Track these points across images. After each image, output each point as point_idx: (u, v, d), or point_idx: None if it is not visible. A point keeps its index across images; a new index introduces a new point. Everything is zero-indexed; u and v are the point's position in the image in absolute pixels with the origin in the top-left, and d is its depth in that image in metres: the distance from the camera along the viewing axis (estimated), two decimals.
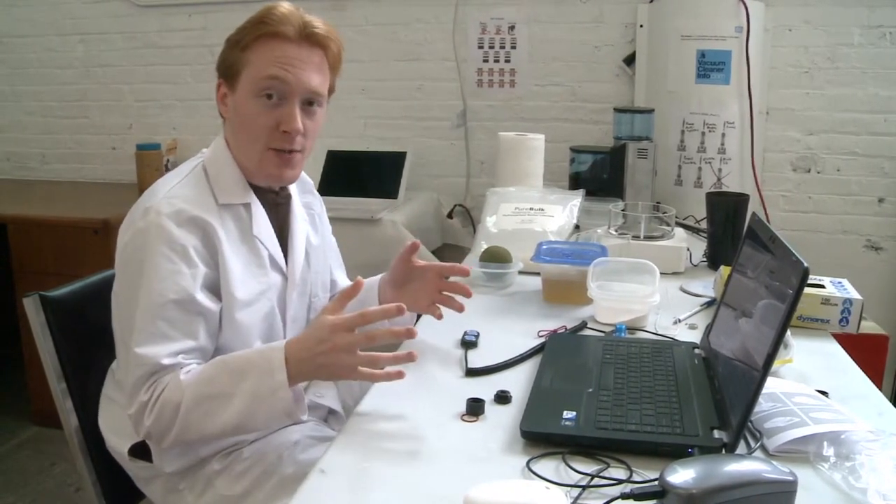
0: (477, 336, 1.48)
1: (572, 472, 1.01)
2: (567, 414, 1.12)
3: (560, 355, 1.36)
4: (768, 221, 2.31)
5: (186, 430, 1.20)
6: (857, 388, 1.31)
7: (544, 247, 1.79)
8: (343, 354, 1.16)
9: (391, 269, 1.56)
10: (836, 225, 2.91)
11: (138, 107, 3.52)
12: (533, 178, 2.44)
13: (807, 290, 1.46)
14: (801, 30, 2.80)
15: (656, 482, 0.87)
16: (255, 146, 1.34)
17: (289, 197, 1.47)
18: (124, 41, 3.46)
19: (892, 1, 2.71)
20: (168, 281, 1.23)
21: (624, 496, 0.91)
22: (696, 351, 1.37)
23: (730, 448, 1.02)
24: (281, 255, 1.41)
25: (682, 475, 0.86)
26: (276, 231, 1.42)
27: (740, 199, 1.98)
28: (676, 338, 1.49)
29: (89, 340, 1.45)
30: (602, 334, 1.52)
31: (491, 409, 1.20)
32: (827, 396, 1.21)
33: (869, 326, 2.31)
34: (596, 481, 0.98)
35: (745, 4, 2.60)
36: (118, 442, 1.37)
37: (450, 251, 3.12)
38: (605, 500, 0.92)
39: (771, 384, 1.18)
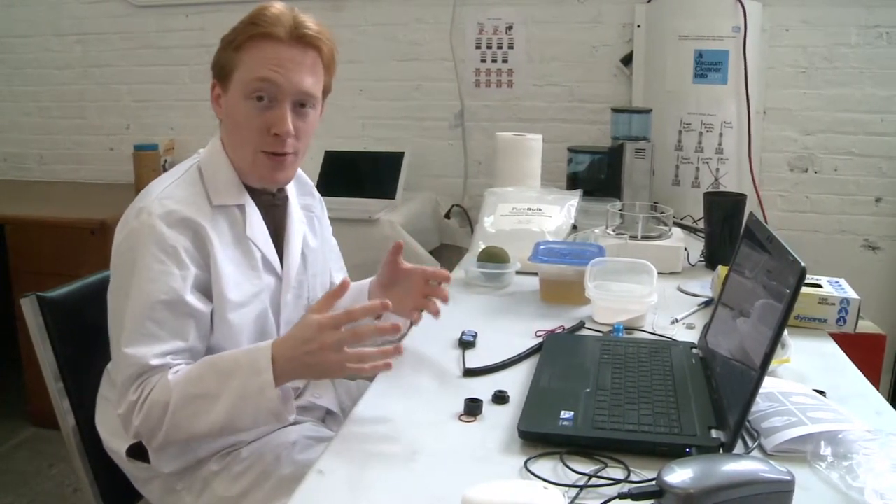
0: (475, 336, 1.48)
1: (570, 472, 1.01)
2: (565, 414, 1.12)
3: (558, 355, 1.36)
4: (766, 221, 2.31)
5: (175, 429, 1.20)
6: (855, 387, 1.31)
7: (542, 247, 1.79)
8: (331, 353, 1.15)
9: (379, 272, 1.55)
10: (834, 225, 2.91)
11: (136, 107, 3.52)
12: (530, 178, 2.44)
13: (804, 289, 1.46)
14: (798, 30, 2.81)
15: (654, 482, 0.87)
16: (246, 149, 1.33)
17: (286, 198, 1.47)
18: (122, 41, 3.46)
19: (890, 1, 2.72)
20: (158, 282, 1.23)
21: (622, 496, 0.91)
22: (694, 351, 1.37)
23: (727, 448, 1.02)
24: (276, 256, 1.41)
25: (680, 475, 0.86)
26: (271, 233, 1.41)
27: (738, 199, 1.98)
28: (674, 338, 1.49)
29: (87, 341, 1.44)
30: (600, 334, 1.52)
31: (489, 409, 1.20)
32: (824, 396, 1.21)
33: (866, 326, 2.31)
34: (594, 481, 0.98)
35: (742, 4, 2.61)
36: (116, 443, 1.36)
37: (448, 251, 3.12)
38: (602, 500, 0.92)
39: (768, 384, 1.19)
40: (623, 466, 1.01)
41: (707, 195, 2.03)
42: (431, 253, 2.88)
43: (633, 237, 1.93)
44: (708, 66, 2.66)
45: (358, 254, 1.68)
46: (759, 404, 1.13)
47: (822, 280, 1.62)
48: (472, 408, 1.18)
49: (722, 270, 1.62)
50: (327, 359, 1.16)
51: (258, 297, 1.37)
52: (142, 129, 3.51)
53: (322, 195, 1.64)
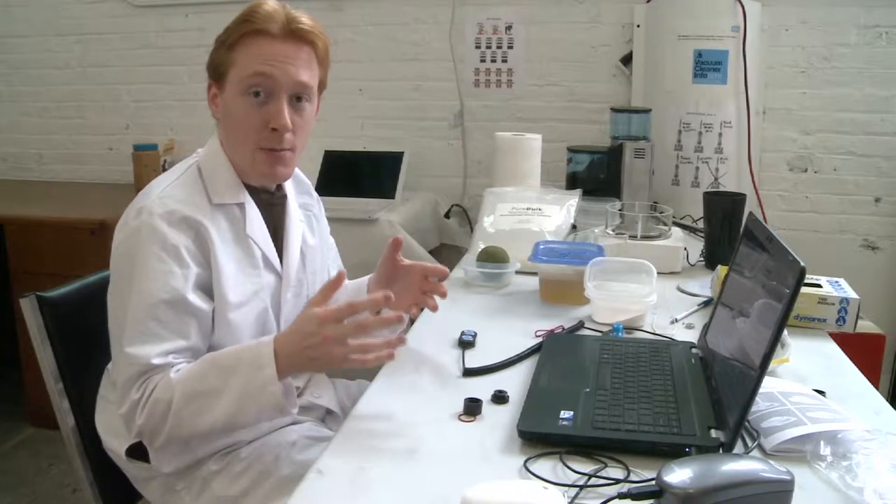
0: (474, 336, 1.48)
1: (570, 471, 1.01)
2: (564, 414, 1.12)
3: (557, 355, 1.36)
4: (765, 221, 2.31)
5: (178, 427, 1.19)
6: (854, 387, 1.31)
7: (541, 247, 1.79)
8: (334, 346, 1.15)
9: (378, 268, 1.56)
10: (833, 224, 2.92)
11: (135, 107, 3.52)
12: (530, 178, 2.44)
13: (804, 289, 1.46)
14: (797, 29, 2.81)
15: (653, 482, 0.87)
16: (245, 146, 1.34)
17: (284, 197, 1.47)
18: (121, 41, 3.45)
19: (889, 1, 2.72)
20: (159, 281, 1.23)
21: (621, 496, 0.91)
22: (694, 350, 1.37)
23: (727, 448, 1.02)
24: (275, 254, 1.41)
25: (680, 475, 0.86)
26: (270, 231, 1.41)
27: (737, 199, 1.98)
28: (674, 337, 1.49)
29: (86, 341, 1.44)
30: (599, 334, 1.52)
31: (488, 408, 1.20)
32: (824, 396, 1.21)
33: (866, 326, 2.31)
34: (593, 481, 0.98)
35: (741, 4, 2.61)
36: (115, 443, 1.36)
37: (447, 251, 3.12)
38: (602, 500, 0.92)
39: (768, 384, 1.19)
40: (623, 466, 1.01)
41: (706, 195, 2.03)
42: (431, 253, 2.88)
43: (633, 237, 1.93)
44: (707, 66, 2.67)
45: (357, 253, 1.68)
46: (759, 404, 1.13)
47: (822, 280, 1.62)
48: (472, 407, 1.18)
49: (721, 270, 1.62)
50: (330, 351, 1.15)
51: (258, 295, 1.37)
52: (141, 129, 3.51)
53: (321, 195, 1.64)
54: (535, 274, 1.78)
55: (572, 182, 2.61)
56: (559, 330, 1.53)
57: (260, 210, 1.40)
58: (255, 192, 1.40)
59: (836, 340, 1.52)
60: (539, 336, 1.50)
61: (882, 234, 2.88)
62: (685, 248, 1.97)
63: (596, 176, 2.58)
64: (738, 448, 1.05)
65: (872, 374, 2.01)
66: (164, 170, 3.27)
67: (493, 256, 1.85)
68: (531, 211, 2.12)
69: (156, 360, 1.21)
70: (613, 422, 1.10)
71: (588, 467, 1.01)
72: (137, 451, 1.33)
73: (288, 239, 1.45)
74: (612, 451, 1.05)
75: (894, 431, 1.09)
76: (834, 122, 2.84)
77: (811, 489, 0.97)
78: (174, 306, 1.23)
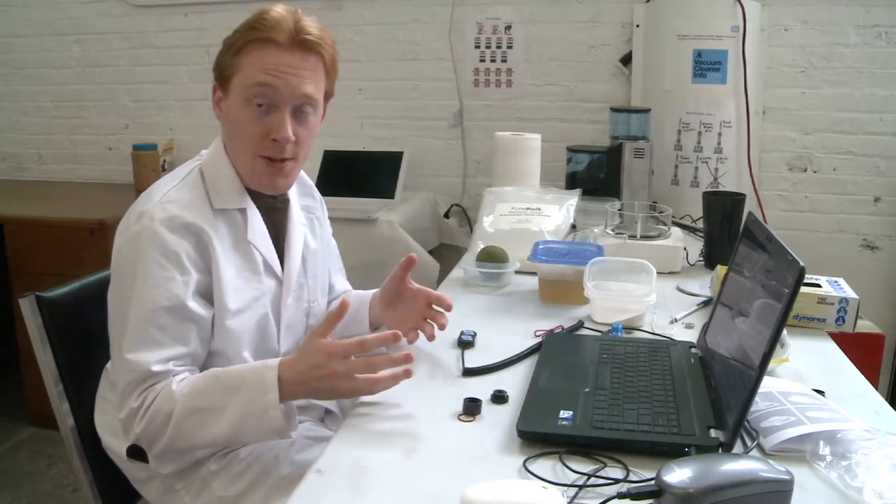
0: (474, 336, 1.48)
1: (569, 471, 1.00)
2: (564, 413, 1.12)
3: (557, 355, 1.36)
4: (765, 221, 2.31)
5: (176, 439, 1.20)
6: (854, 387, 1.31)
7: (541, 246, 1.79)
8: (341, 380, 1.16)
9: (385, 285, 1.53)
10: (833, 224, 2.92)
11: (135, 107, 3.52)
12: (529, 177, 2.44)
13: (803, 289, 1.47)
14: (797, 29, 2.81)
15: (653, 481, 0.87)
16: (246, 154, 1.33)
17: (287, 201, 1.46)
18: (121, 41, 3.46)
19: (889, 1, 2.72)
20: (160, 288, 1.23)
21: (620, 496, 0.91)
22: (693, 350, 1.37)
23: (726, 447, 1.02)
24: (276, 260, 1.41)
25: (679, 474, 0.86)
26: (272, 235, 1.41)
27: (737, 199, 1.98)
28: (673, 337, 1.49)
29: (86, 341, 1.44)
30: (599, 334, 1.52)
31: (487, 408, 1.20)
32: (823, 395, 1.21)
33: (865, 325, 2.32)
34: (592, 481, 0.98)
35: (741, 4, 2.61)
36: (115, 443, 1.36)
37: (447, 251, 3.12)
38: (601, 500, 0.92)
39: (767, 383, 1.19)
40: (622, 466, 1.01)
41: (706, 195, 2.03)
42: (430, 253, 2.88)
43: (632, 237, 1.93)
44: (707, 66, 2.67)
45: (357, 254, 1.69)
46: (758, 404, 1.13)
47: (821, 279, 1.62)
48: (471, 407, 1.18)
49: (721, 270, 1.62)
50: (337, 385, 1.17)
51: (259, 301, 1.37)
52: (141, 129, 3.51)
53: (321, 195, 1.63)
54: (534, 274, 1.78)
55: (572, 182, 2.61)
56: (558, 330, 1.53)
57: (262, 214, 1.39)
58: (257, 196, 1.39)
59: (835, 340, 1.52)
60: (538, 336, 1.50)
61: (881, 233, 2.88)
62: (685, 248, 1.97)
63: (595, 176, 2.58)
64: (738, 448, 1.05)
65: (871, 374, 2.01)
66: (164, 170, 3.31)
67: (492, 256, 1.85)
68: (531, 211, 2.12)
69: (155, 367, 1.21)
70: (613, 421, 1.10)
71: (587, 467, 1.01)
72: (137, 452, 1.32)
73: (290, 244, 1.45)
74: (612, 450, 1.05)
75: (893, 431, 1.09)
76: (833, 121, 2.84)
77: (810, 489, 0.97)
78: (174, 313, 1.23)
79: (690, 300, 1.73)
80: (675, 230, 2.02)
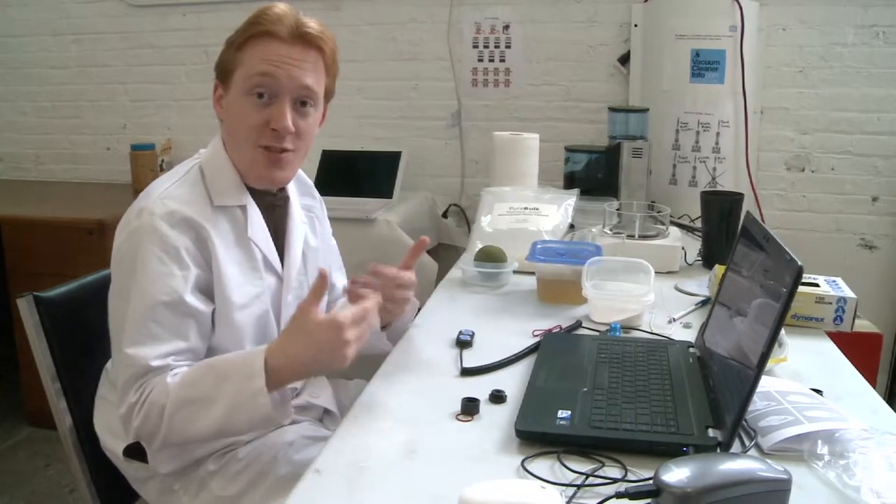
0: (472, 336, 1.48)
1: (567, 471, 1.01)
2: (562, 413, 1.12)
3: (555, 355, 1.36)
4: (763, 220, 2.31)
5: (172, 432, 1.20)
6: (852, 386, 1.31)
7: (539, 246, 1.79)
8: (352, 347, 1.15)
9: (373, 272, 1.47)
10: (831, 224, 2.92)
11: (133, 107, 3.52)
12: (527, 177, 2.44)
13: (801, 288, 1.47)
14: (795, 29, 2.81)
15: (651, 481, 0.87)
16: (245, 145, 1.33)
17: (286, 199, 1.46)
18: (119, 41, 3.45)
19: (886, 0, 2.72)
20: (159, 282, 1.23)
21: (619, 495, 0.91)
22: (691, 350, 1.37)
23: (724, 447, 1.02)
24: (276, 257, 1.41)
25: (677, 474, 0.86)
26: (272, 233, 1.41)
27: (735, 199, 1.98)
28: (671, 337, 1.49)
29: (84, 341, 1.44)
30: (597, 333, 1.52)
31: (486, 408, 1.20)
32: (821, 395, 1.21)
33: (863, 325, 2.32)
34: (591, 480, 0.98)
35: (739, 4, 2.61)
36: (113, 442, 1.36)
37: (445, 251, 3.12)
38: (600, 500, 0.92)
39: (765, 383, 1.19)
40: (620, 465, 1.01)
41: (704, 194, 2.03)
42: (429, 252, 2.87)
43: (631, 236, 1.93)
44: (705, 66, 2.67)
45: (355, 253, 1.68)
46: (756, 403, 1.13)
47: (819, 279, 1.62)
48: (470, 407, 1.18)
49: (719, 269, 1.62)
50: (345, 354, 1.14)
51: (259, 297, 1.37)
52: (139, 129, 3.51)
53: (319, 195, 1.63)
54: (532, 273, 1.78)
55: (570, 181, 2.61)
56: (557, 329, 1.53)
57: (262, 212, 1.39)
58: (256, 193, 1.39)
59: (833, 339, 1.52)
60: (537, 336, 1.50)
61: (879, 233, 2.89)
62: (683, 248, 1.97)
63: (593, 175, 2.58)
64: (736, 447, 1.05)
65: (870, 373, 2.01)
66: (163, 169, 3.30)
67: (490, 256, 1.85)
68: (529, 210, 2.12)
69: (154, 362, 1.21)
70: (611, 421, 1.10)
71: (585, 467, 1.01)
72: (135, 451, 1.33)
73: (289, 241, 1.45)
74: (610, 450, 1.05)
75: (891, 430, 1.09)
76: (831, 121, 2.85)
77: (808, 488, 0.97)
78: (174, 308, 1.24)
79: (688, 300, 1.73)
80: (674, 230, 2.03)
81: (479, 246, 1.92)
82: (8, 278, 2.87)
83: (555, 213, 2.12)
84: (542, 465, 1.02)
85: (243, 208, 1.37)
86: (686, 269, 1.96)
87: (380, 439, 1.11)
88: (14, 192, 3.45)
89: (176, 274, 1.24)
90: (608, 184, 2.52)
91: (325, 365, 1.18)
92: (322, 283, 1.17)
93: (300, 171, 1.53)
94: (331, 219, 1.67)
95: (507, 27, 3.07)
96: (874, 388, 1.32)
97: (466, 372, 1.33)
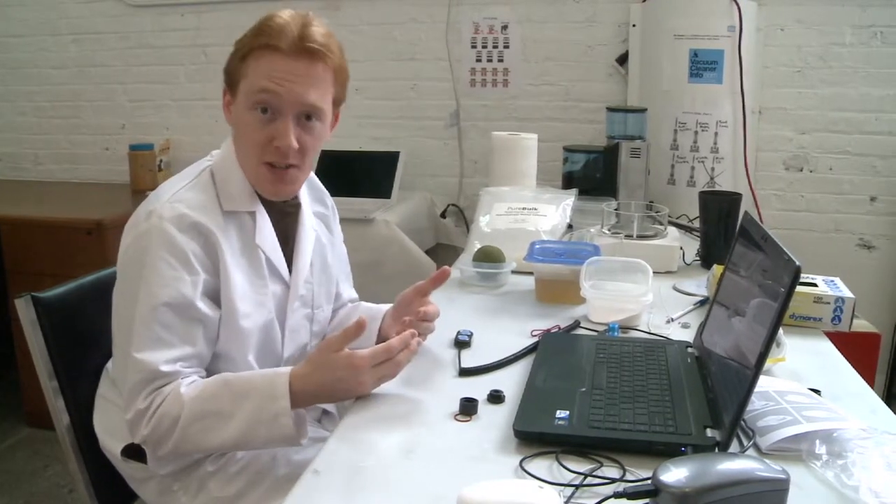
0: (470, 336, 1.48)
1: (565, 471, 1.01)
2: (560, 413, 1.12)
3: (553, 355, 1.36)
4: (761, 220, 2.31)
5: (184, 442, 1.20)
6: (850, 386, 1.31)
7: (537, 246, 1.79)
8: (368, 387, 1.21)
9: (401, 299, 1.48)
10: (829, 224, 2.92)
11: (131, 107, 3.52)
12: (526, 177, 2.44)
13: (799, 288, 1.47)
14: (793, 29, 2.81)
15: (649, 481, 0.87)
16: (250, 160, 1.32)
17: (298, 206, 1.45)
18: (118, 41, 3.45)
19: (884, 0, 2.72)
20: (168, 287, 1.22)
21: (617, 495, 0.91)
22: (689, 350, 1.38)
23: (723, 446, 1.02)
24: (284, 264, 1.40)
25: (675, 474, 0.86)
26: (282, 240, 1.40)
27: (733, 198, 1.98)
28: (669, 337, 1.49)
29: (82, 341, 1.44)
30: (595, 333, 1.52)
31: (484, 408, 1.20)
32: (819, 395, 1.21)
33: (861, 325, 2.32)
34: (589, 480, 0.98)
35: (737, 4, 2.61)
36: (112, 442, 1.36)
37: (443, 251, 3.12)
38: (598, 499, 0.92)
39: (764, 382, 1.19)
40: (618, 465, 1.01)
41: (702, 194, 2.03)
42: (427, 252, 2.88)
43: (629, 236, 1.94)
44: (703, 66, 2.67)
45: (353, 254, 1.68)
46: (755, 403, 1.13)
47: (818, 279, 1.62)
48: (468, 407, 1.18)
49: (717, 269, 1.62)
50: (362, 390, 1.22)
51: (265, 305, 1.36)
52: (137, 129, 3.51)
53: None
54: (531, 274, 1.78)
55: (568, 181, 2.61)
56: (555, 329, 1.53)
57: (272, 218, 1.38)
58: (267, 200, 1.38)
59: (831, 339, 1.52)
60: (535, 336, 1.50)
61: (877, 233, 2.89)
62: (681, 248, 1.97)
63: (592, 175, 2.58)
64: (734, 447, 1.05)
65: (868, 373, 2.01)
66: (160, 170, 3.30)
67: (489, 256, 1.85)
68: (527, 210, 2.12)
69: (164, 367, 1.21)
70: (609, 421, 1.10)
71: (584, 467, 1.01)
72: (134, 452, 1.33)
73: (299, 249, 1.44)
74: (608, 450, 1.05)
75: (889, 430, 1.09)
76: (829, 121, 2.85)
77: (807, 488, 0.97)
78: (182, 312, 1.23)
79: (687, 300, 1.73)
80: (672, 230, 2.03)
81: (478, 246, 1.92)
82: (6, 278, 2.87)
83: (553, 213, 2.12)
84: (541, 465, 1.02)
85: (252, 214, 1.36)
86: (684, 269, 1.96)
87: (378, 439, 1.11)
88: (13, 193, 3.45)
89: (185, 279, 1.24)
90: (606, 184, 2.52)
91: (344, 396, 1.24)
92: (357, 331, 1.19)
93: (313, 176, 1.52)
94: None
95: (505, 27, 3.07)
96: (872, 387, 1.32)
97: (465, 372, 1.33)
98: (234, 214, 1.33)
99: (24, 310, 1.39)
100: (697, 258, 2.01)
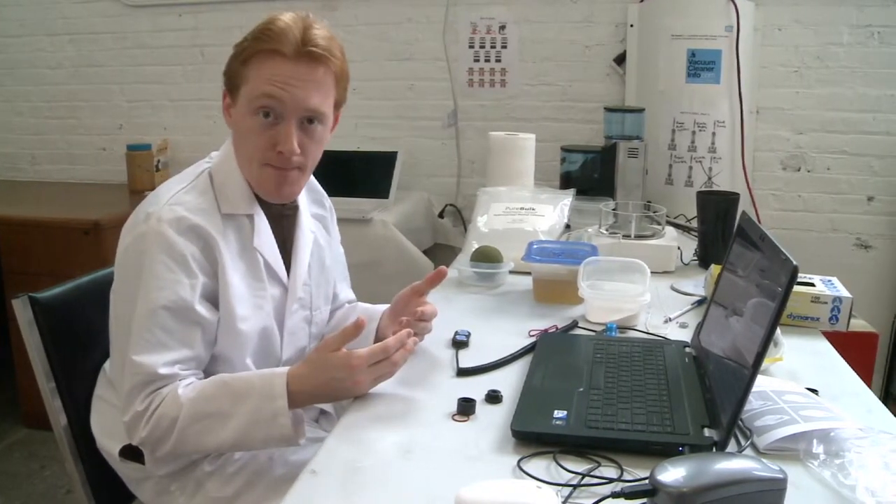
0: (468, 336, 1.48)
1: (563, 471, 1.01)
2: (558, 413, 1.12)
3: (551, 355, 1.36)
4: (758, 220, 2.31)
5: (182, 443, 1.20)
6: (847, 385, 1.32)
7: (535, 246, 1.79)
8: (365, 386, 1.22)
9: (398, 299, 1.49)
10: (826, 223, 2.92)
11: (128, 107, 3.51)
12: (524, 177, 2.44)
13: (797, 288, 1.47)
14: (790, 29, 2.82)
15: (647, 481, 0.87)
16: (252, 163, 1.32)
17: (296, 208, 1.45)
18: (114, 41, 3.45)
19: (882, 0, 2.73)
20: (167, 290, 1.22)
21: (615, 495, 0.91)
22: (687, 350, 1.38)
23: (720, 446, 1.02)
24: (283, 267, 1.40)
25: (673, 473, 0.86)
26: (280, 242, 1.40)
27: (730, 198, 1.98)
28: (667, 337, 1.50)
29: (79, 341, 1.44)
30: (593, 333, 1.52)
31: (482, 408, 1.20)
32: (817, 394, 1.21)
33: (858, 324, 2.32)
34: (587, 480, 0.98)
35: (734, 4, 2.61)
36: (109, 443, 1.36)
37: (441, 251, 3.12)
38: (595, 499, 0.92)
39: (761, 382, 1.19)
40: (616, 465, 1.02)
41: (700, 194, 2.03)
42: (425, 253, 2.88)
43: (627, 236, 1.94)
44: (701, 66, 2.67)
45: (351, 254, 1.68)
46: (752, 403, 1.13)
47: (815, 279, 1.62)
48: (466, 407, 1.18)
49: (715, 269, 1.62)
50: (359, 390, 1.22)
51: (263, 308, 1.36)
52: (135, 130, 3.50)
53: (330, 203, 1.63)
54: (528, 274, 1.78)
55: (566, 181, 2.61)
56: (553, 329, 1.54)
57: (271, 221, 1.38)
58: (266, 203, 1.38)
59: (829, 339, 1.53)
60: (533, 336, 1.50)
61: (874, 232, 2.89)
62: (679, 248, 1.97)
63: (589, 175, 2.58)
64: (732, 447, 1.05)
65: (865, 373, 2.01)
66: (158, 170, 3.30)
67: (486, 256, 1.85)
68: (525, 210, 2.12)
69: (162, 370, 1.21)
70: (607, 421, 1.10)
71: (581, 466, 1.01)
72: (131, 452, 1.32)
73: (297, 251, 1.44)
74: (606, 450, 1.05)
75: (886, 430, 1.10)
76: (827, 121, 2.85)
77: (804, 487, 0.97)
78: (181, 315, 1.23)
79: (684, 299, 1.73)
80: (670, 230, 2.03)
81: (476, 246, 1.92)
82: (3, 279, 2.87)
83: (551, 213, 2.12)
84: (539, 465, 1.02)
85: (251, 217, 1.35)
86: (682, 268, 1.96)
87: (376, 440, 1.11)
88: (9, 193, 3.44)
89: (183, 282, 1.24)
90: (604, 184, 2.52)
91: (342, 395, 1.24)
92: (356, 331, 1.20)
93: (312, 178, 1.51)
94: None
95: (503, 27, 3.07)
96: (869, 387, 1.32)
97: (462, 372, 1.33)
98: (233, 217, 1.33)
99: (22, 310, 1.39)
100: (695, 258, 2.01)
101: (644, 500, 0.87)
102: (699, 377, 1.25)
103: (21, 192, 3.48)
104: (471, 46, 3.12)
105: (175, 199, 1.28)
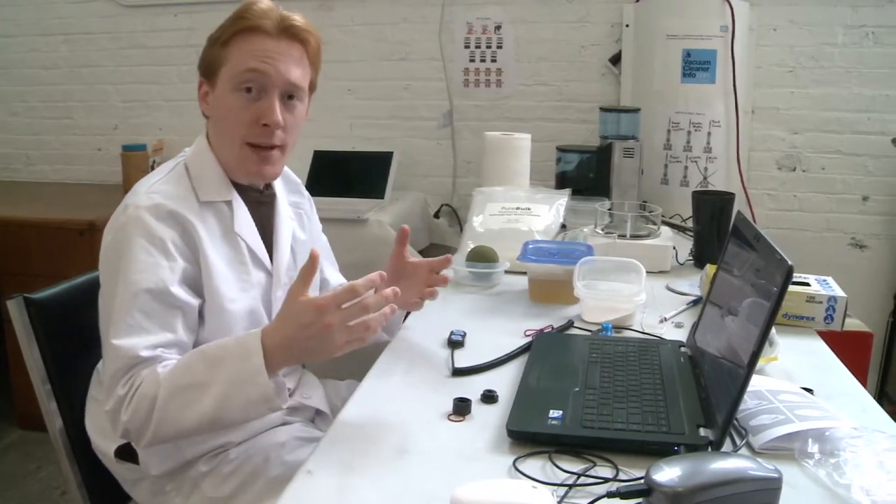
0: (463, 336, 1.48)
1: (559, 471, 1.01)
2: (553, 413, 1.12)
3: (546, 354, 1.36)
4: (754, 220, 2.32)
5: (163, 423, 1.16)
6: (842, 385, 1.32)
7: (531, 246, 1.80)
8: (335, 333, 1.10)
9: (387, 265, 1.52)
10: (821, 223, 2.93)
11: (124, 107, 3.50)
12: (519, 177, 2.44)
13: (792, 288, 1.47)
14: (785, 29, 2.82)
15: (642, 480, 0.87)
16: (234, 142, 1.33)
17: (273, 195, 1.47)
18: (109, 41, 3.44)
19: (876, 1, 2.73)
20: (146, 273, 1.22)
21: (610, 494, 0.91)
22: (683, 349, 1.38)
23: (715, 446, 1.03)
24: (265, 252, 1.41)
25: (668, 473, 0.86)
26: (259, 229, 1.41)
27: (726, 198, 1.98)
28: (663, 336, 1.50)
29: (75, 342, 1.44)
30: (588, 333, 1.52)
31: (477, 408, 1.20)
32: (812, 394, 1.22)
33: (853, 324, 2.32)
34: (582, 480, 0.98)
35: (730, 4, 2.62)
36: (104, 443, 1.36)
37: (437, 251, 3.11)
38: (591, 499, 0.92)
39: (756, 382, 1.19)
40: (611, 465, 1.02)
41: (695, 194, 2.03)
42: (420, 253, 2.87)
43: (622, 236, 1.94)
44: (696, 66, 2.67)
45: (347, 254, 1.68)
46: (747, 402, 1.13)
47: (810, 278, 1.63)
48: (461, 407, 1.18)
49: (710, 269, 1.63)
50: (332, 339, 1.10)
51: (249, 293, 1.36)
52: (130, 130, 3.49)
53: (311, 195, 1.63)
54: (524, 273, 1.78)
55: (562, 181, 2.61)
56: (548, 329, 1.54)
57: (248, 208, 1.40)
58: (243, 190, 1.40)
59: (824, 338, 1.53)
60: (528, 335, 1.50)
61: (869, 232, 2.90)
62: (674, 247, 1.97)
63: (585, 175, 2.59)
64: (727, 446, 1.05)
65: (860, 372, 2.02)
66: (153, 170, 3.28)
67: (482, 256, 1.85)
68: (520, 210, 2.12)
69: (144, 353, 1.19)
70: (602, 421, 1.10)
71: (577, 466, 1.01)
72: (126, 453, 1.32)
73: (277, 237, 1.45)
74: (601, 449, 1.05)
75: (881, 429, 1.10)
76: (822, 121, 2.86)
77: (799, 487, 0.98)
78: (161, 298, 1.23)
79: (680, 299, 1.74)
80: (665, 229, 2.03)
81: (471, 246, 1.92)
82: None
83: (546, 213, 2.13)
84: (534, 465, 1.02)
85: (229, 204, 1.37)
86: (677, 268, 1.97)
87: (371, 440, 1.11)
88: (4, 193, 3.43)
89: (163, 265, 1.24)
90: (600, 184, 2.53)
91: (318, 350, 1.13)
92: (312, 264, 1.14)
93: (287, 170, 1.53)
94: (322, 219, 1.67)
95: (498, 27, 3.07)
96: (864, 386, 1.32)
97: (458, 372, 1.33)
98: (211, 205, 1.34)
99: (17, 311, 1.38)
100: (690, 258, 2.01)
101: (639, 499, 0.87)
102: (694, 377, 1.25)
103: (16, 192, 3.47)
104: (466, 46, 3.12)
105: (152, 188, 1.30)
